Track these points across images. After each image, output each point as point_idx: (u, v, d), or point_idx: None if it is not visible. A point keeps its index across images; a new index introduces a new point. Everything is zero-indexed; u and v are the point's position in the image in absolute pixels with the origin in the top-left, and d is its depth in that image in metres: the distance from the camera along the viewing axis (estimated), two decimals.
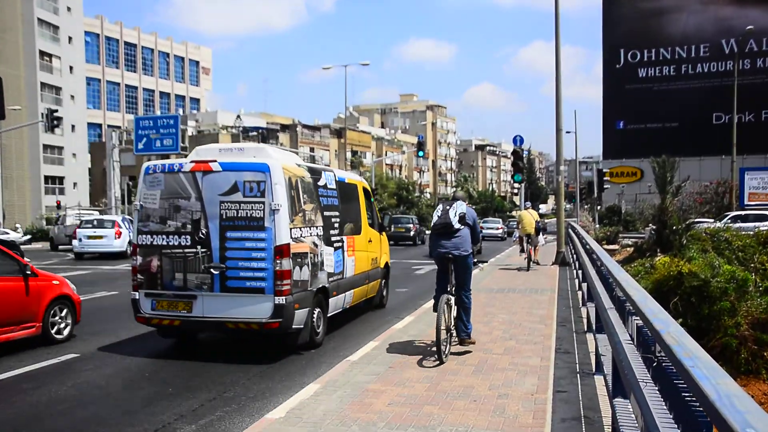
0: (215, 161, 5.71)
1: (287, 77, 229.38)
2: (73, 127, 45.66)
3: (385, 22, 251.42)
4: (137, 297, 5.91)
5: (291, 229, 5.68)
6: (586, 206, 38.44)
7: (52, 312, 6.45)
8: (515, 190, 56.21)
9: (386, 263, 9.11)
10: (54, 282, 6.65)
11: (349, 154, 51.43)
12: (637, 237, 21.11)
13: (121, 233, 19.09)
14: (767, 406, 5.41)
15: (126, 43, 59.26)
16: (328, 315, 6.63)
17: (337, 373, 4.93)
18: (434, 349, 5.39)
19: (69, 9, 45.53)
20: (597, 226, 29.39)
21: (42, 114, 29.15)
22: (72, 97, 45.68)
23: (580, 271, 9.83)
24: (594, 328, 5.52)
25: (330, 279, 6.57)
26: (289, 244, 5.60)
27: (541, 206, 71.61)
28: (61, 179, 45.31)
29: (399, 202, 49.94)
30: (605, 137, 39.77)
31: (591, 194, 33.47)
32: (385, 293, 9.05)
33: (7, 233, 25.81)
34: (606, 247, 16.10)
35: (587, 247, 8.32)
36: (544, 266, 14.41)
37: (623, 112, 38.29)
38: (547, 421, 3.79)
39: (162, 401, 4.50)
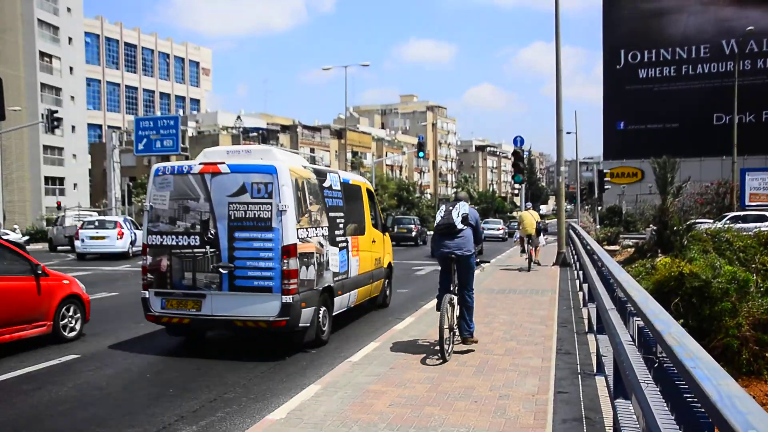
0: (224, 163, 5.83)
1: (287, 78, 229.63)
2: (73, 127, 45.64)
3: (385, 23, 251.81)
4: (147, 296, 6.01)
5: (298, 229, 5.80)
6: (586, 207, 38.41)
7: (62, 311, 6.58)
8: (516, 191, 56.19)
9: (389, 263, 9.24)
10: (64, 282, 6.79)
11: (349, 155, 51.46)
12: (637, 238, 21.10)
13: (123, 234, 19.18)
14: None
15: (126, 44, 59.28)
16: (334, 314, 6.74)
17: (338, 374, 4.93)
18: (436, 348, 5.45)
19: (69, 10, 45.51)
20: (598, 226, 29.37)
21: (42, 115, 29.18)
22: (72, 97, 45.67)
23: (580, 272, 9.83)
24: (595, 328, 5.51)
25: (335, 278, 6.70)
26: (296, 244, 5.72)
27: (541, 207, 71.57)
28: (61, 180, 45.33)
29: (399, 202, 49.96)
30: (606, 138, 39.78)
31: (591, 195, 33.44)
32: (388, 293, 9.18)
33: (7, 234, 25.82)
34: (607, 247, 16.08)
35: (588, 247, 8.32)
36: (544, 267, 14.41)
37: (624, 112, 38.29)
38: (548, 421, 3.78)
39: (163, 402, 4.50)
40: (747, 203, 25.44)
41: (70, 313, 6.69)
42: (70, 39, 45.56)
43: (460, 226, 5.57)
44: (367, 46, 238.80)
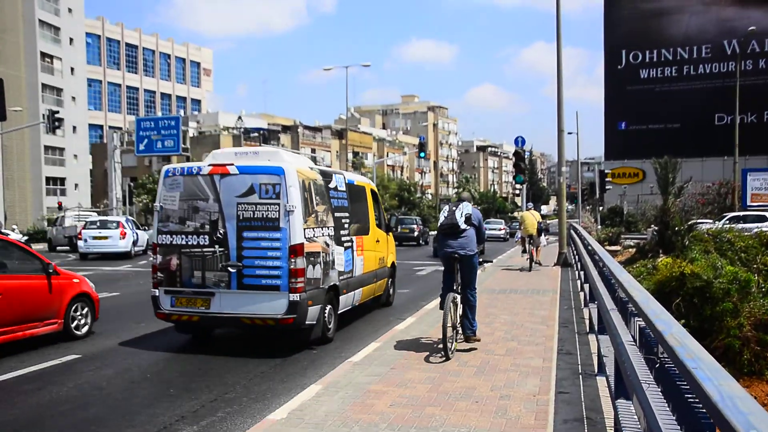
0: (232, 164, 5.96)
1: (288, 78, 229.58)
2: (74, 128, 45.61)
3: (385, 23, 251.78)
4: (157, 294, 6.14)
5: (305, 229, 5.94)
6: (588, 207, 38.35)
7: (73, 309, 6.72)
8: (517, 191, 56.12)
9: (393, 262, 9.36)
10: (74, 280, 6.93)
11: (350, 155, 51.46)
12: (639, 238, 21.06)
13: (125, 234, 19.26)
14: None
15: (127, 45, 59.25)
16: (339, 312, 6.85)
17: (339, 374, 4.92)
18: (439, 346, 5.54)
19: (70, 10, 45.46)
20: (599, 227, 29.32)
21: (43, 115, 29.21)
22: (73, 98, 45.64)
23: (582, 272, 9.82)
24: (596, 329, 5.50)
25: (340, 277, 6.82)
26: (303, 244, 5.85)
27: (542, 207, 71.52)
28: (62, 180, 45.31)
29: (400, 203, 49.95)
30: (607, 138, 39.72)
31: (593, 195, 33.38)
32: (391, 291, 9.33)
33: (7, 234, 25.85)
34: (608, 248, 16.05)
35: (589, 248, 8.31)
36: (545, 267, 14.39)
37: (625, 113, 38.23)
38: (549, 422, 3.78)
39: (163, 402, 4.50)
40: (748, 203, 25.40)
41: (81, 312, 6.85)
42: (71, 39, 45.55)
43: (463, 226, 5.66)
44: (367, 47, 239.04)
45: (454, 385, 4.56)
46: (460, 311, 5.72)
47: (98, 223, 19.77)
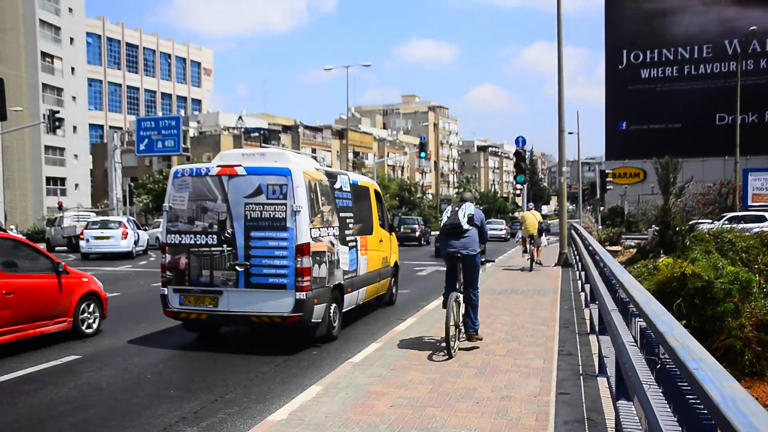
0: (240, 165, 6.09)
1: (288, 78, 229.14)
2: (74, 128, 45.53)
3: (386, 23, 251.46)
4: (166, 293, 6.25)
5: (311, 229, 6.06)
6: (588, 207, 38.32)
7: (82, 308, 6.86)
8: (518, 192, 56.11)
9: (396, 262, 9.46)
10: (83, 279, 7.07)
11: (351, 155, 51.43)
12: (640, 238, 21.03)
13: (127, 234, 19.31)
14: None
15: (128, 44, 59.22)
16: (344, 310, 6.97)
17: (339, 375, 4.92)
18: (441, 345, 5.62)
19: (70, 10, 45.39)
20: (600, 227, 29.29)
21: (43, 115, 29.13)
22: (73, 98, 45.56)
23: (582, 273, 9.80)
24: (597, 329, 5.49)
25: (345, 276, 6.95)
26: (309, 243, 5.98)
27: (542, 207, 71.41)
28: (62, 180, 45.26)
29: (401, 203, 49.88)
30: (608, 138, 39.68)
31: (594, 195, 33.35)
32: (394, 291, 9.42)
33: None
34: (609, 248, 16.03)
35: (590, 248, 8.29)
36: (546, 267, 14.37)
37: (626, 113, 38.19)
38: (550, 423, 3.77)
39: (163, 403, 4.49)
40: (750, 204, 25.36)
41: (89, 310, 6.98)
42: (71, 39, 45.47)
43: (465, 226, 5.72)
44: (368, 46, 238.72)
45: (454, 386, 4.55)
46: (462, 310, 5.78)
47: (100, 223, 19.84)
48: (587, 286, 7.87)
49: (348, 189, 7.36)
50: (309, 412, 3.98)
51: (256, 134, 47.30)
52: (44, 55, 43.30)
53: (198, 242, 6.08)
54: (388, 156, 62.43)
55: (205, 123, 54.28)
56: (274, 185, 5.93)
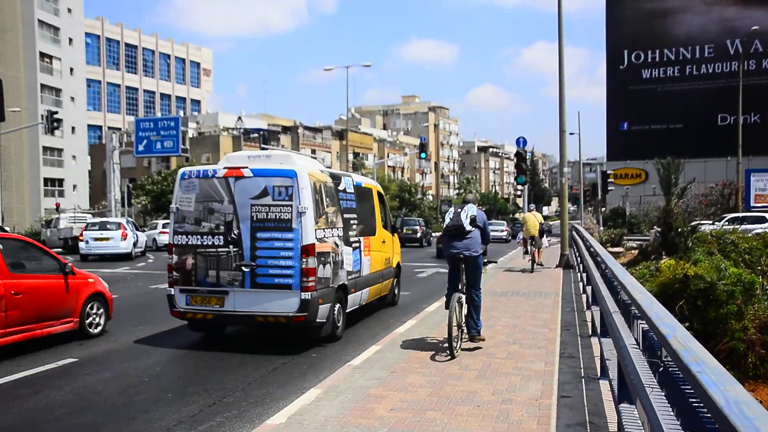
0: (246, 167, 6.19)
1: (288, 78, 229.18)
2: (73, 128, 45.31)
3: (386, 23, 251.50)
4: (173, 293, 6.34)
5: (316, 230, 6.15)
6: (590, 208, 38.27)
7: (88, 308, 6.94)
8: (518, 192, 56.05)
9: (398, 263, 9.55)
10: (89, 280, 7.17)
11: (350, 156, 51.42)
12: (641, 239, 20.97)
13: (127, 235, 19.32)
14: None
15: (127, 45, 59.14)
16: (347, 310, 7.04)
17: (339, 377, 4.89)
18: (443, 345, 5.66)
19: (69, 10, 45.21)
20: (601, 228, 29.24)
21: (42, 116, 28.89)
22: (72, 98, 45.36)
23: (584, 274, 9.76)
24: (599, 332, 5.45)
25: (349, 277, 7.03)
26: (314, 244, 6.07)
27: (543, 208, 71.27)
28: (60, 181, 45.05)
29: (401, 204, 49.81)
30: (609, 139, 39.63)
31: (595, 196, 33.31)
32: (397, 291, 9.50)
33: None
34: (610, 249, 15.97)
35: (591, 249, 8.25)
36: (547, 269, 14.33)
37: (627, 113, 38.16)
38: (551, 426, 3.74)
39: (160, 407, 4.46)
40: (752, 204, 25.29)
41: (95, 311, 7.06)
42: (70, 40, 45.29)
43: (468, 227, 5.78)
44: (368, 47, 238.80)
45: (455, 389, 4.52)
46: (465, 311, 5.83)
47: (99, 225, 19.85)
48: (589, 288, 7.83)
49: (351, 190, 7.46)
50: (308, 415, 3.95)
51: (256, 135, 47.18)
52: (43, 55, 43.15)
53: (205, 243, 6.18)
54: (388, 157, 62.37)
55: (204, 124, 54.18)
56: (280, 187, 6.03)
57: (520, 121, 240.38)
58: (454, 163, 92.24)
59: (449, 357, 5.40)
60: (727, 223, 17.76)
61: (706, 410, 1.68)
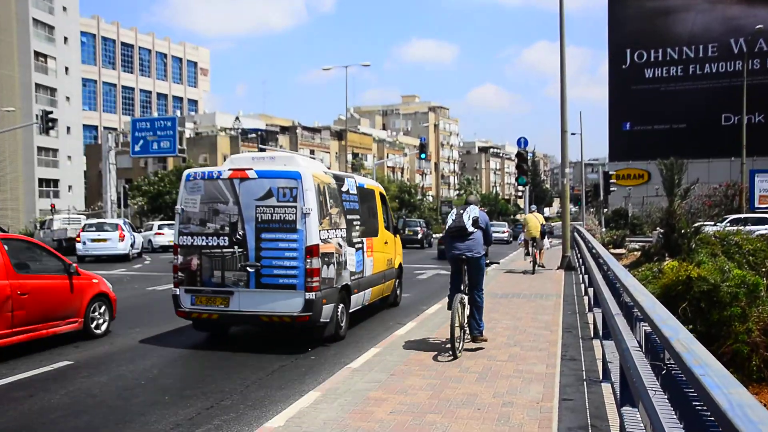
0: (251, 169, 6.27)
1: (287, 78, 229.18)
2: (68, 129, 44.77)
3: (385, 22, 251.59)
4: (178, 293, 6.41)
5: (320, 231, 6.24)
6: (591, 209, 38.17)
7: (92, 308, 7.01)
8: (519, 193, 55.92)
9: (400, 264, 9.64)
10: (94, 281, 7.23)
11: (350, 157, 51.33)
12: (644, 241, 20.88)
13: (124, 236, 19.31)
14: None
15: (123, 44, 58.60)
16: (350, 311, 7.12)
17: (338, 380, 4.85)
18: (446, 345, 5.70)
19: (65, 9, 44.75)
20: (603, 229, 29.14)
21: (36, 115, 28.73)
22: (67, 98, 44.88)
23: (586, 276, 9.71)
24: (601, 334, 5.41)
25: (352, 277, 7.12)
26: (318, 245, 6.15)
27: (545, 210, 71.15)
28: (55, 182, 44.63)
29: (401, 205, 49.74)
30: (611, 139, 39.52)
31: (597, 197, 33.20)
32: (398, 292, 9.60)
33: None
34: (612, 251, 15.90)
35: (593, 251, 8.21)
36: (549, 270, 14.27)
37: (630, 113, 38.05)
38: (553, 430, 3.71)
39: (157, 410, 4.41)
40: (756, 205, 25.18)
41: (99, 311, 7.13)
42: (65, 38, 44.80)
43: (470, 228, 5.83)
44: (367, 46, 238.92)
45: (455, 392, 4.48)
46: (467, 312, 5.86)
47: (97, 226, 19.86)
48: (591, 290, 7.78)
49: (354, 192, 7.53)
50: (307, 418, 3.91)
51: (253, 135, 46.86)
52: (37, 54, 42.65)
53: (210, 244, 6.25)
54: (387, 157, 62.26)
55: (201, 124, 53.81)
56: (284, 188, 6.10)
57: (520, 121, 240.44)
58: (454, 163, 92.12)
59: (451, 357, 5.43)
60: (728, 224, 17.66)
61: (709, 414, 1.67)
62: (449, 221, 5.97)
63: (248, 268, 6.10)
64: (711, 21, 36.43)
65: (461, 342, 5.63)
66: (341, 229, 6.83)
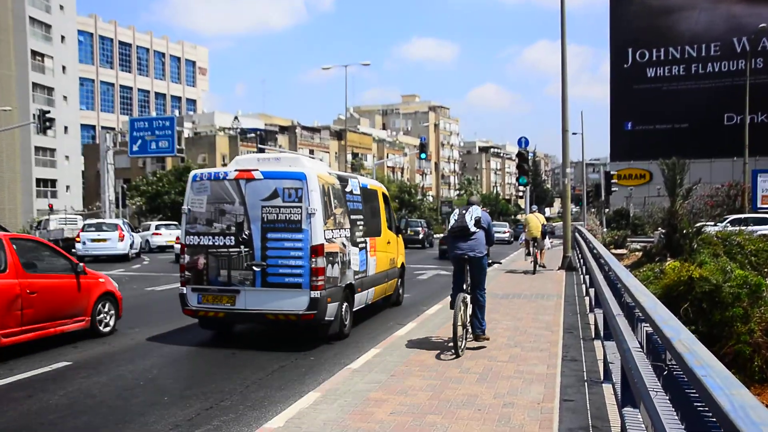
0: (257, 170, 6.39)
1: (286, 77, 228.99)
2: (65, 128, 44.52)
3: (385, 21, 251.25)
4: (185, 292, 6.53)
5: (324, 230, 6.35)
6: (593, 209, 38.11)
7: (99, 307, 7.08)
8: (520, 193, 55.86)
9: (402, 263, 9.78)
10: (100, 280, 7.30)
11: (349, 157, 51.26)
12: (645, 241, 20.84)
13: (124, 236, 19.33)
14: None
15: (120, 43, 58.38)
16: (354, 309, 7.25)
17: (338, 381, 4.84)
18: (448, 345, 5.75)
19: (62, 7, 44.50)
20: (604, 229, 29.10)
21: (34, 115, 28.56)
22: (65, 97, 44.64)
23: (587, 276, 9.69)
24: (602, 335, 5.40)
25: (356, 276, 7.25)
26: (323, 244, 6.27)
27: (546, 210, 71.06)
28: (53, 182, 44.42)
29: (401, 205, 49.70)
30: (613, 139, 39.42)
31: (598, 197, 33.15)
32: (401, 291, 9.72)
33: None
34: (614, 251, 15.87)
35: (594, 251, 8.19)
36: (550, 271, 14.25)
37: (631, 112, 37.96)
38: (553, 430, 3.70)
39: (157, 410, 4.40)
40: (759, 205, 25.05)
41: (106, 310, 7.20)
42: (62, 37, 44.55)
43: (473, 228, 5.89)
44: (367, 46, 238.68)
45: (456, 393, 4.47)
46: (469, 311, 5.91)
47: (96, 226, 19.89)
48: (592, 290, 7.76)
49: (358, 192, 7.65)
50: (306, 419, 3.90)
51: (252, 135, 46.71)
52: (34, 53, 42.39)
53: (216, 243, 6.36)
54: (387, 157, 62.21)
55: (200, 123, 53.57)
56: (289, 189, 6.21)
57: (521, 120, 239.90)
58: (454, 163, 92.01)
59: (454, 356, 5.48)
60: (729, 224, 17.60)
61: (711, 415, 1.67)
62: (452, 221, 6.04)
63: (254, 267, 6.21)
64: (713, 20, 36.31)
65: (463, 341, 5.69)
66: (345, 229, 6.94)
